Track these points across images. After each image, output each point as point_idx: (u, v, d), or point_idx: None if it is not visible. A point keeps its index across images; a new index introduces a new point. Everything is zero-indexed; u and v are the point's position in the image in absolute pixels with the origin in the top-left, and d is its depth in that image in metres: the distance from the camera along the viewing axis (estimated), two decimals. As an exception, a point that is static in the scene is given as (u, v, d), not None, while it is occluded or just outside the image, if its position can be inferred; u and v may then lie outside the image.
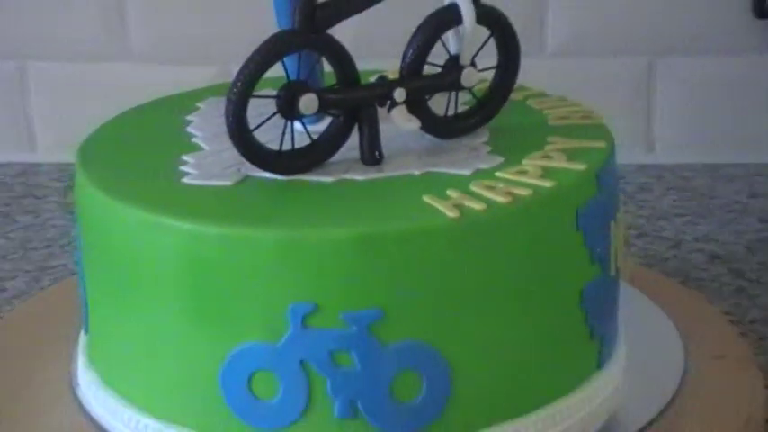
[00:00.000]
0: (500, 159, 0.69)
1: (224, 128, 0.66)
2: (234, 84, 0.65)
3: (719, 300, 0.89)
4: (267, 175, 0.68)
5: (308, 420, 0.63)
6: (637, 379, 0.73)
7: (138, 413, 0.68)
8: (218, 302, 0.63)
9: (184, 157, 0.71)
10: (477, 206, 0.63)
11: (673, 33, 1.08)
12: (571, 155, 0.69)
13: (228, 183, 0.67)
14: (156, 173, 0.69)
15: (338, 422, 0.63)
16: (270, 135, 0.67)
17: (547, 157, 0.69)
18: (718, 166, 1.11)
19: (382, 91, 0.69)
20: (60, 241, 1.02)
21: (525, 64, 0.74)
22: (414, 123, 0.70)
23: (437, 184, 0.66)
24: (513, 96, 0.75)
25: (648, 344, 0.77)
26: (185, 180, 0.68)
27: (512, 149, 0.70)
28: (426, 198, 0.64)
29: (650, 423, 0.69)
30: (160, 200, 0.66)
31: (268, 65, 0.66)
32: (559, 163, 0.68)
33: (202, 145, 0.73)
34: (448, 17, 0.70)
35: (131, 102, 1.09)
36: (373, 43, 0.71)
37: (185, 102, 0.80)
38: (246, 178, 0.68)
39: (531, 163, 0.68)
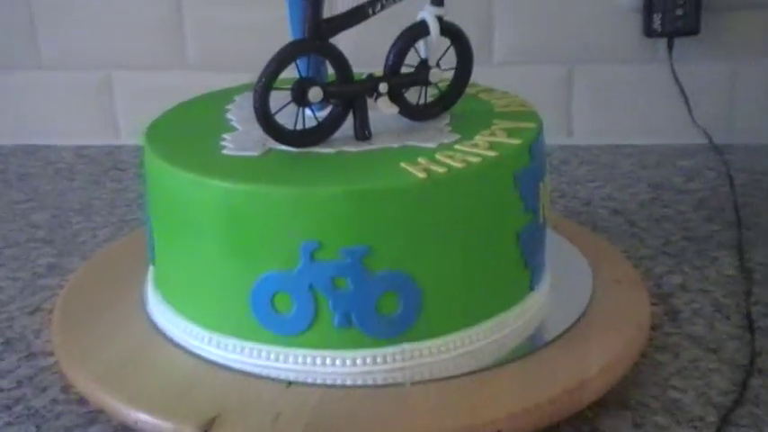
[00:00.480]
0: (457, 136, 0.69)
1: (253, 114, 0.67)
2: (259, 79, 0.66)
3: (619, 242, 0.89)
4: (285, 147, 0.68)
5: (315, 329, 0.64)
6: (558, 297, 0.74)
7: (190, 323, 0.68)
8: (247, 242, 0.64)
9: (224, 135, 0.71)
10: (440, 169, 0.64)
11: (586, 47, 1.08)
12: (510, 133, 0.70)
13: (256, 153, 0.68)
14: (202, 146, 0.70)
15: (337, 330, 0.64)
16: (286, 119, 0.68)
17: (492, 134, 0.69)
18: (618, 146, 1.11)
19: (370, 85, 0.70)
20: (138, 201, 1.02)
21: (477, 70, 0.74)
22: (393, 109, 0.71)
23: (410, 154, 0.66)
24: (468, 91, 0.75)
25: (566, 272, 0.77)
26: (224, 152, 0.68)
27: (466, 129, 0.71)
28: (402, 164, 0.65)
29: (567, 329, 0.70)
30: (205, 165, 0.66)
31: (284, 65, 0.67)
32: (501, 138, 0.69)
33: (237, 126, 0.73)
34: (419, 30, 0.71)
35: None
36: (365, 50, 0.70)
37: (225, 96, 0.80)
38: (269, 150, 0.69)
39: (480, 138, 0.69)
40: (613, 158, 1.08)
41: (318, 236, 0.62)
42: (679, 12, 1.03)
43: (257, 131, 0.68)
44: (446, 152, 0.66)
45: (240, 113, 0.75)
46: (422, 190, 0.63)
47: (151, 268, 0.74)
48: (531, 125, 0.71)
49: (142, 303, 0.74)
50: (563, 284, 0.75)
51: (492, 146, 0.67)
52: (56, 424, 0.67)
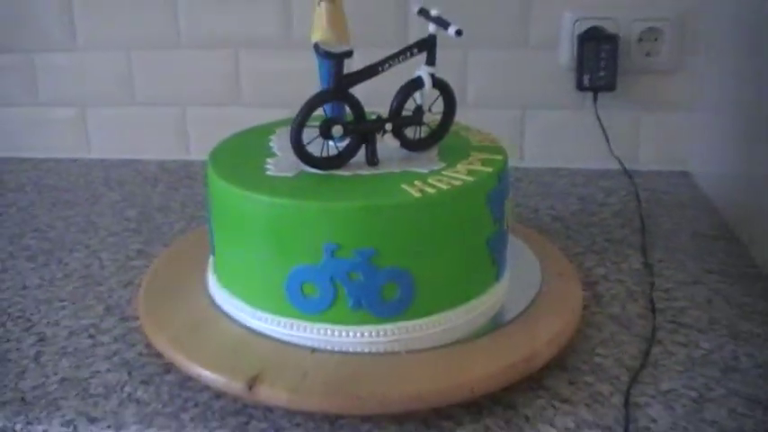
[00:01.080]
0: (444, 164, 0.64)
1: (289, 144, 0.62)
2: (295, 119, 0.61)
3: (557, 241, 0.84)
4: (313, 170, 0.63)
5: (333, 309, 0.60)
6: (515, 286, 0.69)
7: (239, 301, 0.63)
8: (284, 242, 0.59)
9: (267, 159, 0.66)
10: (431, 190, 0.59)
11: (533, 96, 1.03)
12: (484, 162, 0.65)
13: (291, 175, 0.63)
14: (251, 168, 0.64)
15: (350, 310, 0.59)
16: (314, 148, 0.63)
17: (470, 163, 0.64)
18: (557, 169, 1.06)
19: (379, 125, 0.65)
20: (203, 203, 0.96)
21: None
22: (396, 143, 0.66)
23: (409, 178, 0.62)
24: (452, 128, 0.69)
25: (522, 267, 0.71)
26: (267, 173, 0.63)
27: (451, 158, 0.66)
28: (403, 185, 0.60)
29: (522, 312, 0.65)
30: (253, 184, 0.61)
31: (314, 109, 0.62)
32: (477, 167, 0.64)
33: (277, 153, 0.68)
34: (416, 83, 0.66)
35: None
36: (375, 96, 0.65)
37: (268, 129, 0.74)
38: (301, 172, 0.63)
39: (461, 166, 0.64)
40: (553, 179, 1.03)
41: (338, 239, 0.57)
42: (602, 73, 0.99)
43: (293, 157, 0.63)
44: (436, 177, 0.62)
45: (280, 143, 0.70)
46: (417, 206, 0.58)
47: (211, 258, 0.69)
48: (500, 157, 0.66)
49: (205, 285, 0.69)
50: (519, 276, 0.69)
51: (470, 172, 0.62)
52: (142, 372, 0.63)
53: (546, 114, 1.04)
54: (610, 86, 0.99)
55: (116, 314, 0.72)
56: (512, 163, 0.70)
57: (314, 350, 0.59)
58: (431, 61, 0.65)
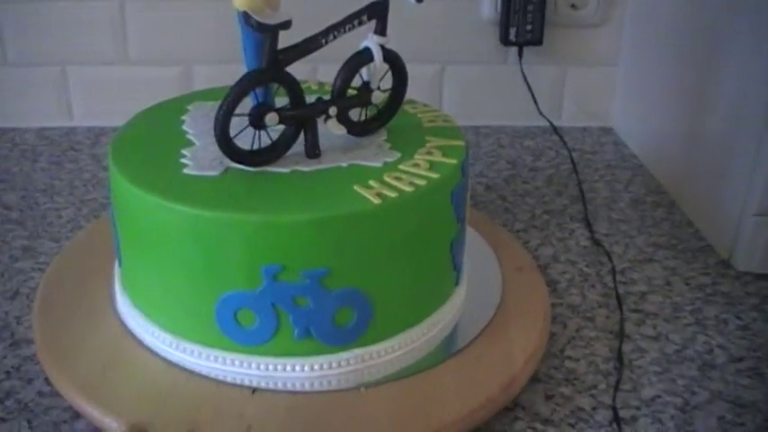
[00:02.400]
0: (398, 154, 0.51)
1: (209, 126, 0.48)
2: (219, 108, 0.47)
3: (495, 216, 0.74)
4: (242, 167, 0.49)
5: (276, 340, 0.47)
6: (474, 287, 0.57)
7: (159, 329, 0.49)
8: (211, 263, 0.45)
9: (183, 151, 0.51)
10: (391, 194, 0.46)
11: (455, 51, 0.91)
12: (445, 151, 0.52)
13: (215, 173, 0.48)
14: (164, 164, 0.50)
15: (297, 342, 0.47)
16: (244, 140, 0.49)
17: (429, 152, 0.52)
18: (477, 127, 0.94)
19: (321, 108, 0.51)
20: (92, 181, 0.79)
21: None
22: (342, 130, 0.52)
23: (361, 175, 0.49)
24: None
25: (475, 262, 0.60)
26: (185, 171, 0.49)
27: (404, 146, 0.53)
28: (356, 187, 0.47)
29: (489, 323, 0.54)
30: (170, 188, 0.46)
31: (245, 94, 0.47)
32: (438, 158, 0.51)
33: (194, 141, 0.53)
34: (364, 57, 0.52)
35: (131, 91, 0.90)
36: (316, 74, 0.51)
37: (178, 107, 0.58)
38: (228, 170, 0.49)
39: (420, 158, 0.51)
40: (476, 138, 0.92)
41: (281, 260, 0.44)
42: (528, 27, 0.87)
43: (214, 147, 0.48)
44: (393, 173, 0.49)
45: (196, 126, 0.55)
46: (377, 214, 0.45)
47: (117, 268, 0.54)
48: (460, 143, 0.54)
49: (112, 301, 0.54)
50: (475, 274, 0.58)
51: (432, 166, 0.50)
52: (44, 419, 0.48)
53: (467, 70, 0.93)
54: (536, 41, 0.88)
55: (5, 338, 0.56)
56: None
57: (255, 390, 0.46)
58: (381, 30, 0.51)
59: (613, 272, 0.65)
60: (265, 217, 0.44)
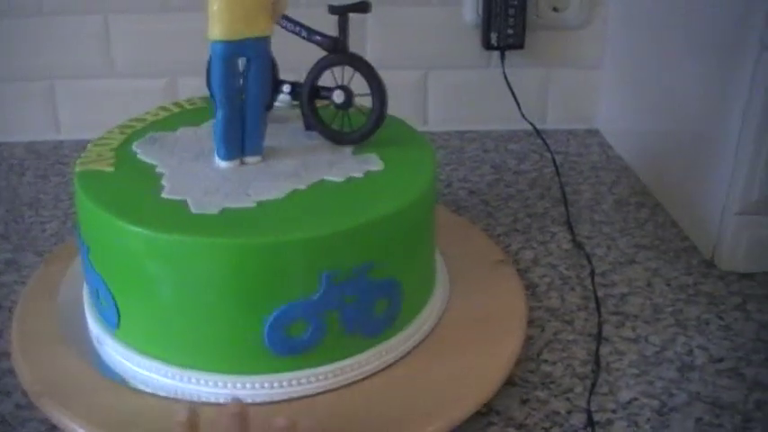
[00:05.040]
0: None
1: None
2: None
3: (478, 221, 0.74)
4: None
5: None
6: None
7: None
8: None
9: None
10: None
11: (439, 56, 0.91)
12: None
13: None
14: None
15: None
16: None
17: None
18: (462, 132, 0.95)
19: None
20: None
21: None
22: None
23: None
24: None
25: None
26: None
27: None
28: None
29: (464, 327, 0.54)
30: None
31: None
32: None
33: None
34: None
35: (118, 103, 0.90)
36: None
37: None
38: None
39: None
40: (461, 143, 0.92)
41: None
42: (510, 31, 0.87)
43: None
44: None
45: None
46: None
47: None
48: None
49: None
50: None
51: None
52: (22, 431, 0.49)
53: (450, 74, 0.93)
54: (518, 45, 0.88)
55: (-18, 351, 0.57)
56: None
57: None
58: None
59: (593, 274, 0.65)
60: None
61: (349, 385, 0.49)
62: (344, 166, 0.53)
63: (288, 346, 0.47)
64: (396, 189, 0.51)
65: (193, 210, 0.47)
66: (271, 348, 0.47)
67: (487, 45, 0.89)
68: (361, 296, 0.48)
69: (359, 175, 0.52)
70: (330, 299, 0.47)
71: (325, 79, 0.56)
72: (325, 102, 0.56)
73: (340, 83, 0.55)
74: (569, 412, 0.51)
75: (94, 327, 0.52)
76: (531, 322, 0.59)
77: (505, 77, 0.90)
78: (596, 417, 0.51)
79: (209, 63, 0.55)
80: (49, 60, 0.90)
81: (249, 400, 0.46)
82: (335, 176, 0.52)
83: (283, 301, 0.46)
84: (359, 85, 0.56)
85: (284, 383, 0.47)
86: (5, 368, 0.54)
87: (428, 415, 0.46)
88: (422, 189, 0.51)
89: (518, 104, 0.91)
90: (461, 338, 0.53)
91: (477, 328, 0.54)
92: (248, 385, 0.47)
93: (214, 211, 0.47)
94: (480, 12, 0.88)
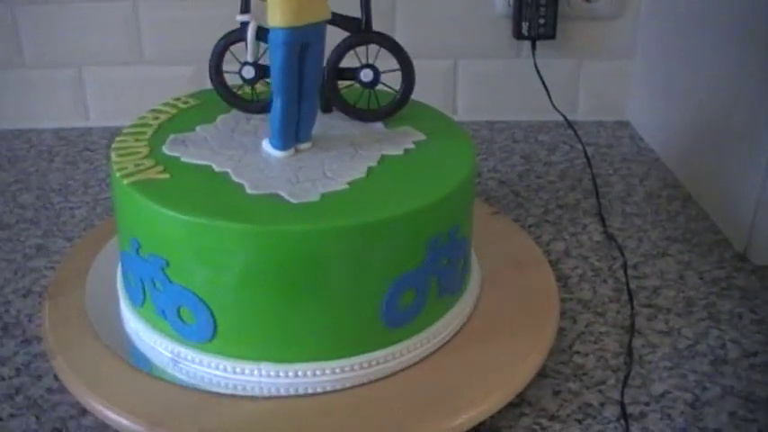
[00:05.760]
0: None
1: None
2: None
3: (508, 211, 0.74)
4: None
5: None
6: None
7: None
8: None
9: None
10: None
11: (468, 46, 0.91)
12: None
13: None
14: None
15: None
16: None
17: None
18: (492, 122, 0.94)
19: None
20: (106, 180, 0.80)
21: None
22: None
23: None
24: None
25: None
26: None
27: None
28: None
29: (496, 318, 0.54)
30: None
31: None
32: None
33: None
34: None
35: (146, 90, 0.90)
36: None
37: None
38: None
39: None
40: (490, 133, 0.91)
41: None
42: (541, 21, 0.87)
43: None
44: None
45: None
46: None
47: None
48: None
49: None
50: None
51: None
52: (53, 414, 0.49)
53: (480, 64, 0.92)
54: (549, 35, 0.87)
55: (16, 335, 0.57)
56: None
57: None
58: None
59: (625, 266, 0.65)
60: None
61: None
62: (392, 140, 0.53)
63: (398, 316, 0.48)
64: (451, 156, 0.52)
65: (292, 200, 0.45)
66: (385, 322, 0.48)
67: (518, 35, 0.88)
68: (451, 257, 0.50)
69: (411, 146, 0.53)
70: (433, 264, 0.48)
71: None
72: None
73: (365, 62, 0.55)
74: (602, 404, 0.51)
75: (167, 347, 0.49)
76: (562, 314, 0.59)
77: (536, 68, 0.90)
78: (629, 409, 0.50)
79: (214, 56, 0.55)
80: (78, 47, 0.90)
81: (365, 380, 0.48)
82: (393, 150, 0.52)
83: (399, 273, 0.47)
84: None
85: (396, 355, 0.49)
86: (36, 352, 0.55)
87: (459, 405, 0.46)
88: (471, 156, 0.53)
89: (549, 95, 0.90)
90: (492, 329, 0.52)
91: (508, 320, 0.53)
92: (365, 364, 0.48)
93: (314, 198, 0.46)
94: (511, 1, 0.87)
